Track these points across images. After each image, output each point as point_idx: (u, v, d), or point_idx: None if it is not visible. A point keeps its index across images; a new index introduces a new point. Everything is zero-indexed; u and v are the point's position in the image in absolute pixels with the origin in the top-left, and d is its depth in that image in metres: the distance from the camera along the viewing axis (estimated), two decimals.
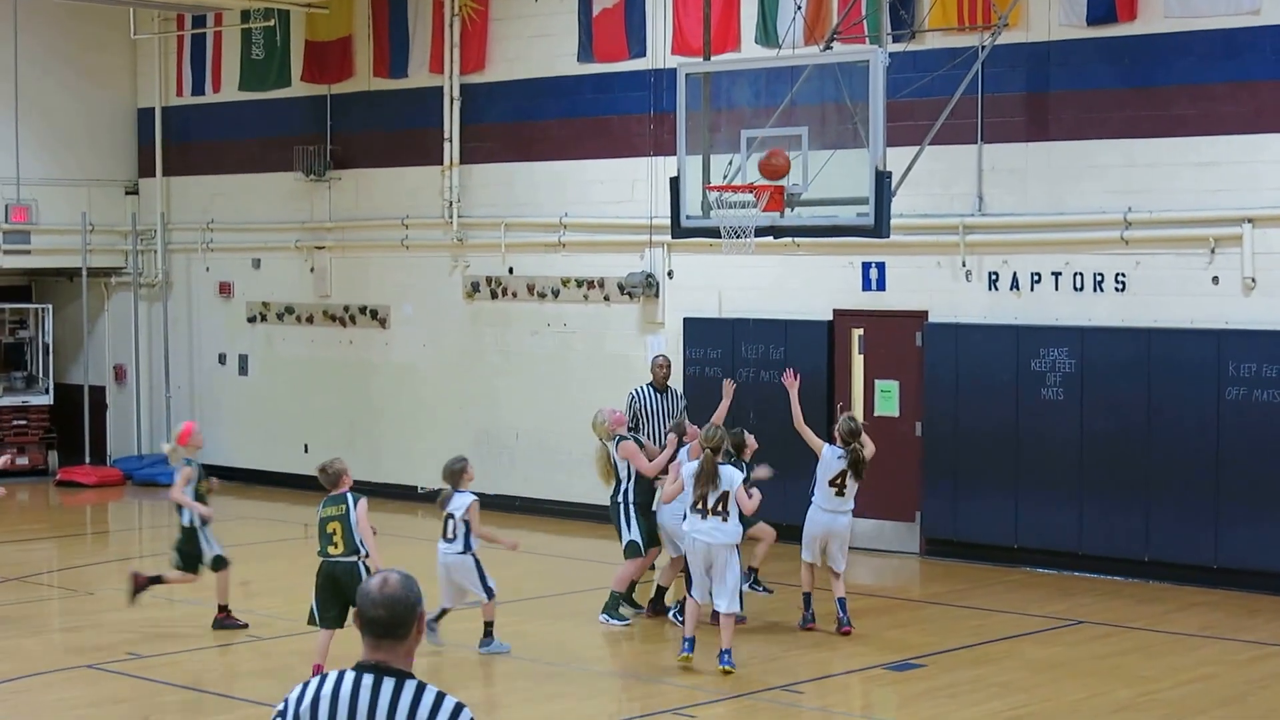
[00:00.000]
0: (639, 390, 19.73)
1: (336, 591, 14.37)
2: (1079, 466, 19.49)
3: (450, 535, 15.44)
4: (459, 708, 5.58)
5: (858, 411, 20.73)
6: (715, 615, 15.33)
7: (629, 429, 19.62)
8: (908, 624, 16.65)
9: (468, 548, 15.44)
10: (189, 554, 16.58)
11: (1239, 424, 18.50)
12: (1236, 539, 18.59)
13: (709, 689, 14.42)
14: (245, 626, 16.59)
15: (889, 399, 20.86)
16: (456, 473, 15.58)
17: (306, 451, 26.68)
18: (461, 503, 15.45)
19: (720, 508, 14.71)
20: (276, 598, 18.61)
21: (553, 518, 22.57)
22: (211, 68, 27.82)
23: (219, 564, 16.59)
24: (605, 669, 15.71)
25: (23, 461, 28.27)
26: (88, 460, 28.37)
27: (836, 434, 16.43)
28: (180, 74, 28.28)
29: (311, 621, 14.68)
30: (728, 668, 14.74)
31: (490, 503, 16.14)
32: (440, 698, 5.60)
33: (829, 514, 16.30)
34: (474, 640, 15.59)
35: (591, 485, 22.62)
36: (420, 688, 5.61)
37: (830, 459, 16.26)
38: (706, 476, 14.74)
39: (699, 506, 14.79)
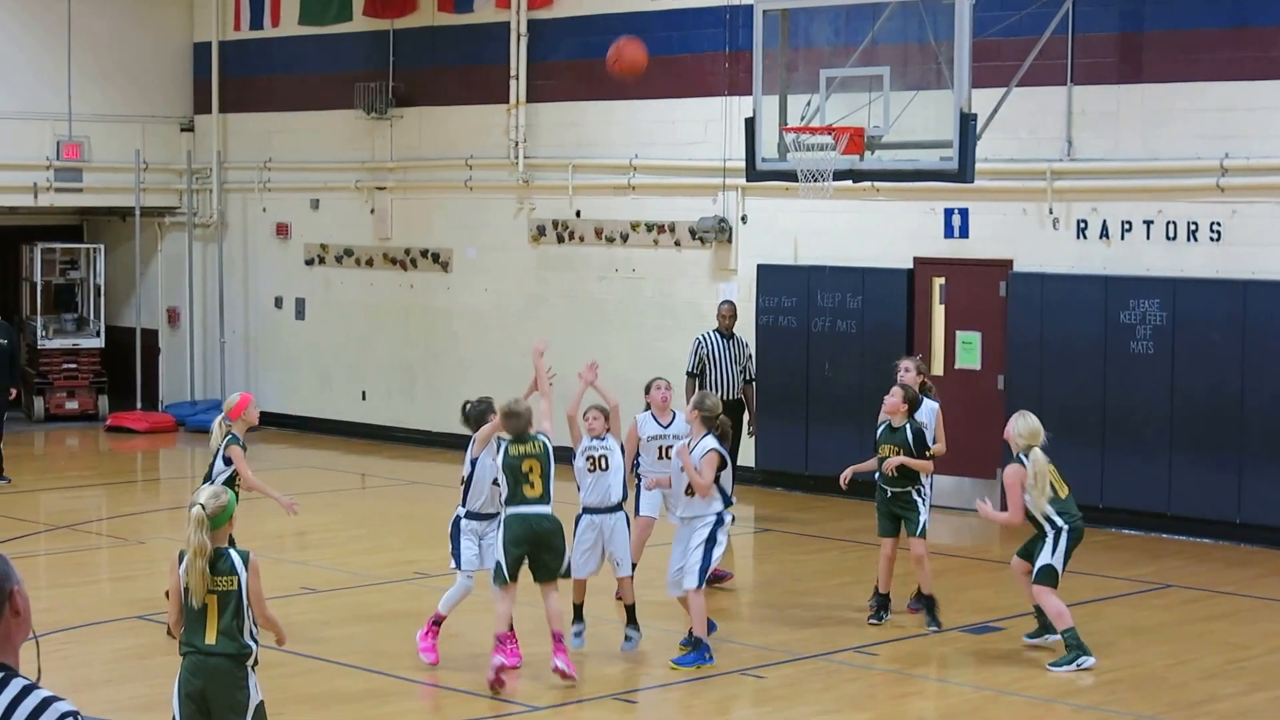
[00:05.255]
0: (705, 336, 19.77)
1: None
2: (1169, 423, 19.17)
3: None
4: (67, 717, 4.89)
5: (938, 364, 20.51)
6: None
7: (694, 374, 19.15)
8: (986, 585, 16.57)
9: None
10: None
11: None
12: None
13: (781, 650, 14.22)
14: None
15: (970, 351, 20.60)
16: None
17: (364, 399, 26.60)
18: None
19: None
20: (332, 549, 18.55)
21: None
22: (270, 1, 27.38)
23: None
24: (675, 628, 15.14)
25: (73, 406, 28.12)
26: (139, 406, 28.13)
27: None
28: (238, 7, 28.05)
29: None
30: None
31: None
32: (45, 704, 4.89)
33: None
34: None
35: None
36: (25, 690, 4.90)
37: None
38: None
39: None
